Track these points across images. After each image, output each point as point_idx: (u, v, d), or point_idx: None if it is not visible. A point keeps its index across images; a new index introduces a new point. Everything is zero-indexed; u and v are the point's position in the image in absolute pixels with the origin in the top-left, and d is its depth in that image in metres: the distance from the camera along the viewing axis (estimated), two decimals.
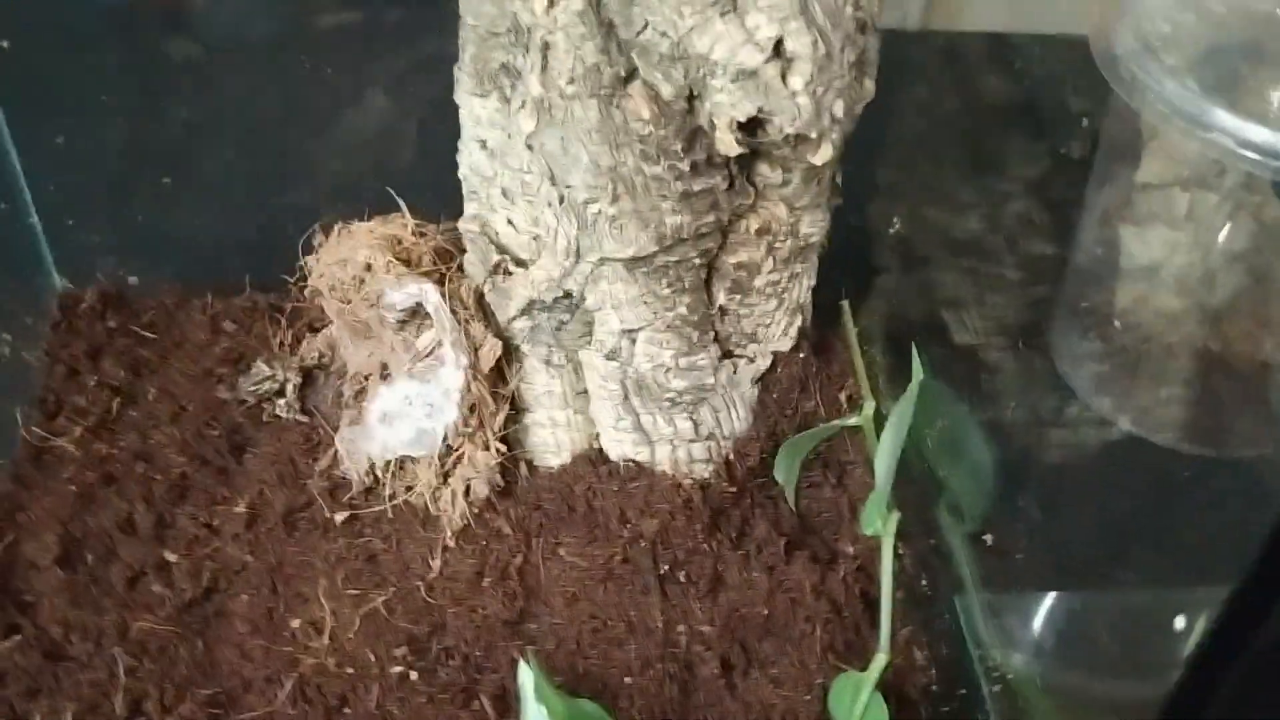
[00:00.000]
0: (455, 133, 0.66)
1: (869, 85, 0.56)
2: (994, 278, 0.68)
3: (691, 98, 0.55)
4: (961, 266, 0.69)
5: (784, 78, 0.52)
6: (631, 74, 0.55)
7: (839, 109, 0.53)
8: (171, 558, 0.65)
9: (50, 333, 0.77)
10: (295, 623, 0.62)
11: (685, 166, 0.57)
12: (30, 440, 0.71)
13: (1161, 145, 0.75)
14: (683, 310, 0.62)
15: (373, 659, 0.60)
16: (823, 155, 0.54)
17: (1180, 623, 0.63)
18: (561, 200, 0.60)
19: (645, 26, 0.52)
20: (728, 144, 0.54)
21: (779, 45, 0.52)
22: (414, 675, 0.60)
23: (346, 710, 0.58)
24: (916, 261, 0.71)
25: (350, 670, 0.60)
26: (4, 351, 0.73)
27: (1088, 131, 0.81)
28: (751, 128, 0.54)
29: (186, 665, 0.60)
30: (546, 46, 0.55)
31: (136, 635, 0.61)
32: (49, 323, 0.77)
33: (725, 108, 0.53)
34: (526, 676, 0.56)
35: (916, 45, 0.84)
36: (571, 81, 0.55)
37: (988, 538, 0.61)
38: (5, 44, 0.70)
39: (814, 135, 0.53)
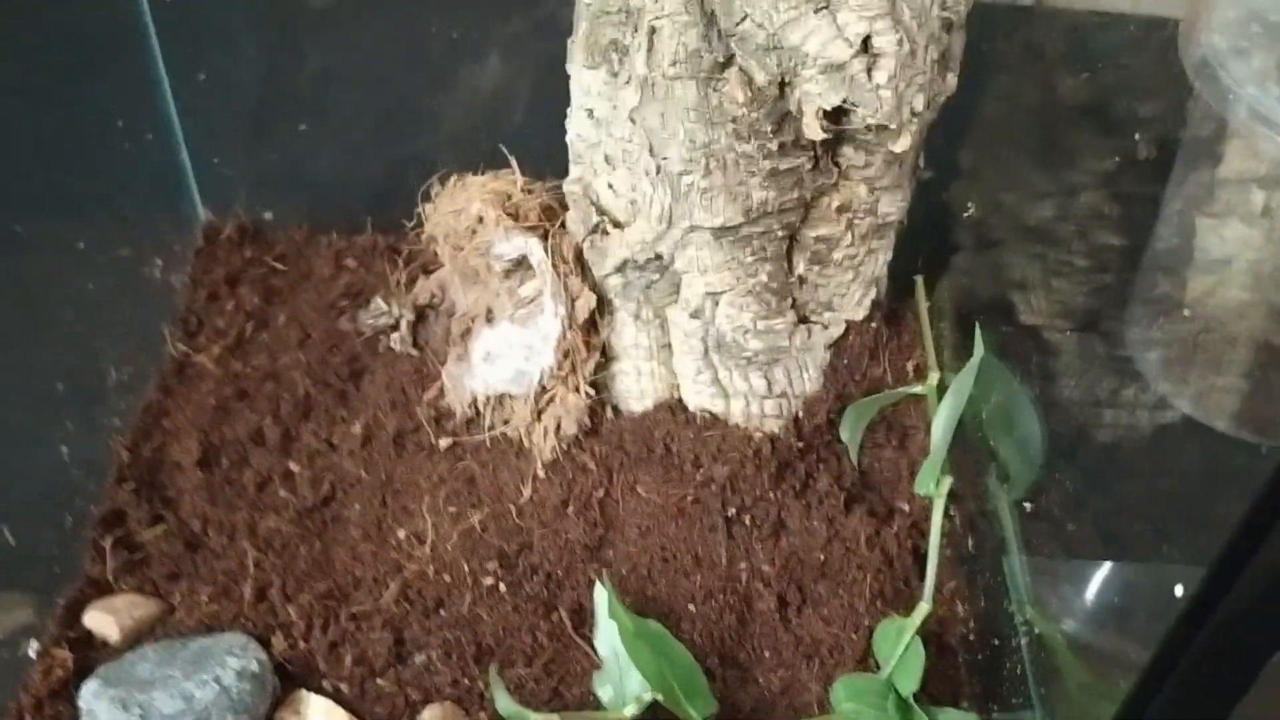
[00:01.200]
0: (563, 97, 0.72)
1: (951, 80, 0.61)
2: (1064, 263, 0.72)
3: (783, 84, 0.60)
4: (1033, 251, 0.73)
5: (869, 72, 0.57)
6: (729, 60, 0.60)
7: (919, 103, 0.58)
8: (295, 468, 0.73)
9: (194, 259, 0.85)
10: (401, 532, 0.70)
11: (774, 146, 0.62)
12: (174, 355, 0.79)
13: (1243, 142, 0.77)
14: (763, 277, 0.68)
15: (467, 569, 0.67)
16: (901, 145, 0.59)
17: None
18: (658, 170, 0.65)
19: (744, 18, 0.57)
20: (813, 130, 0.59)
21: (867, 41, 0.56)
22: (502, 587, 0.67)
23: (442, 612, 0.66)
24: (990, 243, 0.75)
25: (447, 578, 0.67)
26: (155, 274, 0.82)
27: (1169, 125, 0.84)
28: (836, 116, 0.59)
29: (305, 562, 0.68)
30: (653, 30, 0.61)
31: (264, 532, 0.69)
32: (193, 249, 0.86)
33: (813, 97, 0.58)
34: (601, 595, 0.63)
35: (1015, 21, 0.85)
36: (674, 64, 0.60)
37: (1027, 505, 0.65)
38: None
39: (893, 126, 0.58)
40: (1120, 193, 0.82)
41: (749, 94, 0.60)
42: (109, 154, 0.81)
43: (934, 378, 0.72)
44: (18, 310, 0.73)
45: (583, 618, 0.66)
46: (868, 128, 0.59)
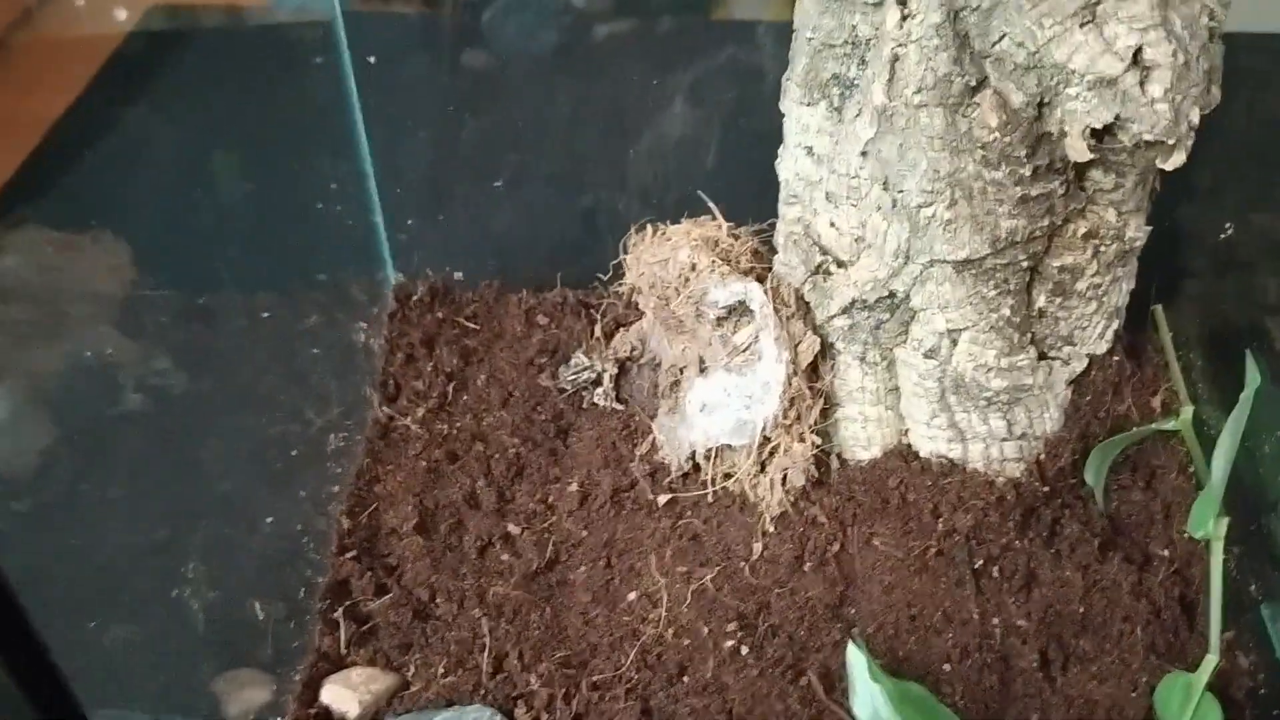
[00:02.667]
0: (752, 139, 0.70)
1: (1216, 92, 0.57)
2: None
3: (1041, 105, 0.57)
4: None
5: (1142, 86, 0.53)
6: (981, 83, 0.57)
7: (1195, 116, 0.54)
8: (514, 530, 0.71)
9: (388, 321, 0.85)
10: (631, 594, 0.67)
11: (1026, 172, 0.59)
12: (380, 419, 0.78)
13: None
14: (1006, 311, 0.64)
15: (706, 632, 0.64)
16: (1174, 161, 0.55)
17: None
18: (894, 204, 0.62)
19: (1002, 37, 0.55)
20: (1079, 150, 0.56)
21: (1137, 54, 0.53)
22: (744, 650, 0.64)
23: (685, 678, 0.63)
24: (1236, 266, 0.70)
25: (686, 641, 0.64)
26: (359, 338, 0.81)
27: None
28: (1101, 134, 0.56)
29: (538, 628, 0.66)
30: (895, 58, 0.58)
31: (493, 599, 0.67)
32: (386, 312, 0.85)
33: (1080, 115, 0.55)
34: (857, 658, 0.59)
35: None
36: (919, 91, 0.58)
37: None
38: (372, 59, 0.77)
39: (1170, 142, 0.54)
40: None
41: (1003, 117, 0.57)
42: (313, 222, 0.82)
43: (1188, 412, 0.68)
44: (244, 383, 0.74)
45: (832, 681, 0.63)
46: (1136, 146, 0.55)
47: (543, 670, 0.63)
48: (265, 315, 0.80)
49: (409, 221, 0.86)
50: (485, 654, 0.64)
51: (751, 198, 0.73)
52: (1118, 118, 0.54)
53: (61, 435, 0.70)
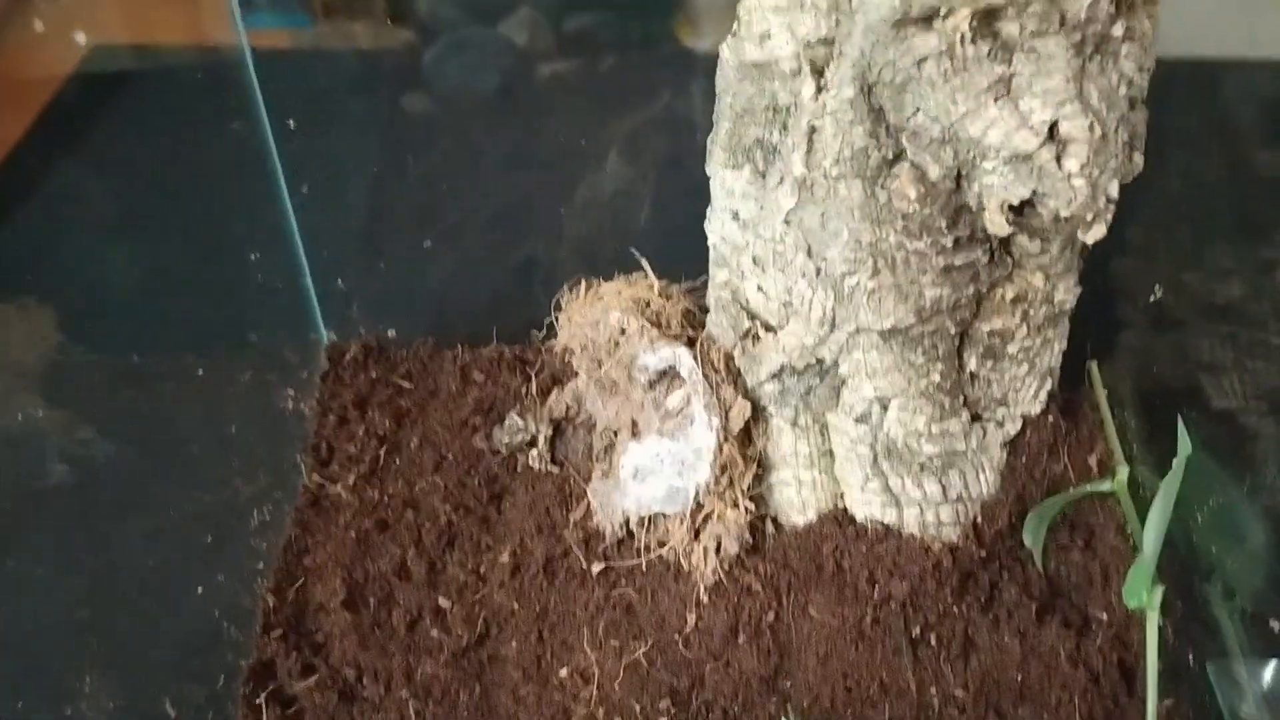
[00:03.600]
0: (685, 196, 0.69)
1: (1138, 160, 0.56)
2: (1252, 342, 0.66)
3: (959, 177, 0.56)
4: (1220, 329, 0.67)
5: (1059, 160, 0.52)
6: (898, 155, 0.56)
7: (1114, 189, 0.53)
8: (445, 603, 0.70)
9: (321, 383, 0.83)
10: (563, 671, 0.66)
11: (948, 242, 0.58)
12: (309, 486, 0.77)
13: None
14: (935, 377, 0.63)
15: (638, 710, 0.63)
16: (1094, 234, 0.55)
17: None
18: (818, 272, 0.61)
19: (916, 112, 0.54)
20: (998, 225, 0.55)
21: (1053, 128, 0.52)
22: None
23: None
24: (1167, 322, 0.69)
25: None
26: (288, 405, 0.80)
27: None
28: (1021, 208, 0.55)
29: (467, 709, 0.64)
30: (813, 130, 0.57)
31: (421, 679, 0.66)
32: (319, 373, 0.84)
33: (997, 190, 0.54)
34: None
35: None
36: (837, 163, 0.57)
37: (1275, 624, 0.59)
38: (291, 123, 0.76)
39: (1089, 217, 0.53)
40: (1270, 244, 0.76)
41: (922, 190, 0.56)
42: (237, 284, 0.80)
43: (1123, 473, 0.67)
44: (169, 452, 0.72)
45: None
46: (1055, 219, 0.55)
47: None
48: (193, 381, 0.78)
49: (339, 281, 0.84)
50: None
51: (687, 252, 0.72)
52: (1035, 193, 0.53)
53: None
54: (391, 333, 0.86)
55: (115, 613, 0.66)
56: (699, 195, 0.69)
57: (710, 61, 0.63)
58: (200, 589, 0.69)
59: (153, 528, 0.72)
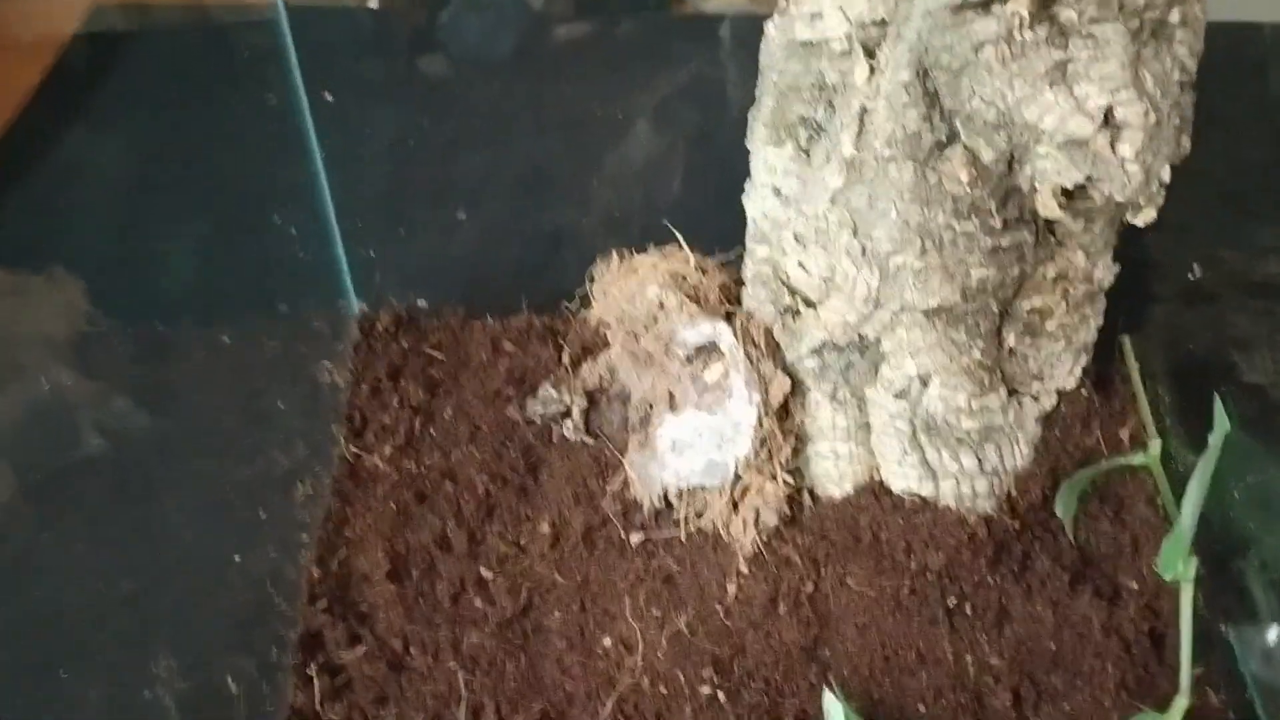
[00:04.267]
0: (721, 168, 0.69)
1: (1186, 142, 0.57)
2: (1271, 313, 0.67)
3: (1011, 160, 0.56)
4: (1252, 302, 0.68)
5: (1113, 145, 0.53)
6: (951, 138, 0.56)
7: (1166, 174, 0.54)
8: (487, 574, 0.71)
9: (353, 354, 0.83)
10: (606, 640, 0.67)
11: (996, 224, 0.58)
12: (347, 457, 0.77)
13: None
14: (977, 355, 0.64)
15: (682, 679, 0.64)
16: (1145, 218, 0.55)
17: None
18: (863, 251, 0.62)
19: (972, 96, 0.54)
20: (1050, 209, 0.55)
21: (1108, 113, 0.53)
22: (721, 696, 0.64)
23: None
24: (1201, 296, 0.70)
25: (663, 689, 0.64)
26: (323, 373, 0.80)
27: None
28: (1072, 192, 0.55)
29: (514, 679, 0.65)
30: (864, 111, 0.58)
31: (468, 649, 0.67)
32: (350, 344, 0.84)
33: (1051, 174, 0.54)
34: (835, 707, 0.60)
35: None
36: (889, 145, 0.57)
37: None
38: (329, 96, 0.75)
39: (1141, 201, 0.54)
40: None
41: (973, 173, 0.56)
42: (266, 254, 0.80)
43: (1155, 446, 0.68)
44: (195, 428, 0.72)
45: None
46: (1107, 203, 0.55)
47: None
48: (224, 352, 0.78)
49: (370, 251, 0.84)
50: (462, 707, 0.63)
51: (724, 225, 0.72)
52: (1089, 178, 0.53)
53: (17, 484, 0.68)
54: (422, 302, 0.86)
55: (162, 588, 0.67)
56: (730, 166, 0.69)
57: (745, 26, 0.63)
58: (244, 561, 0.70)
59: (192, 500, 0.72)
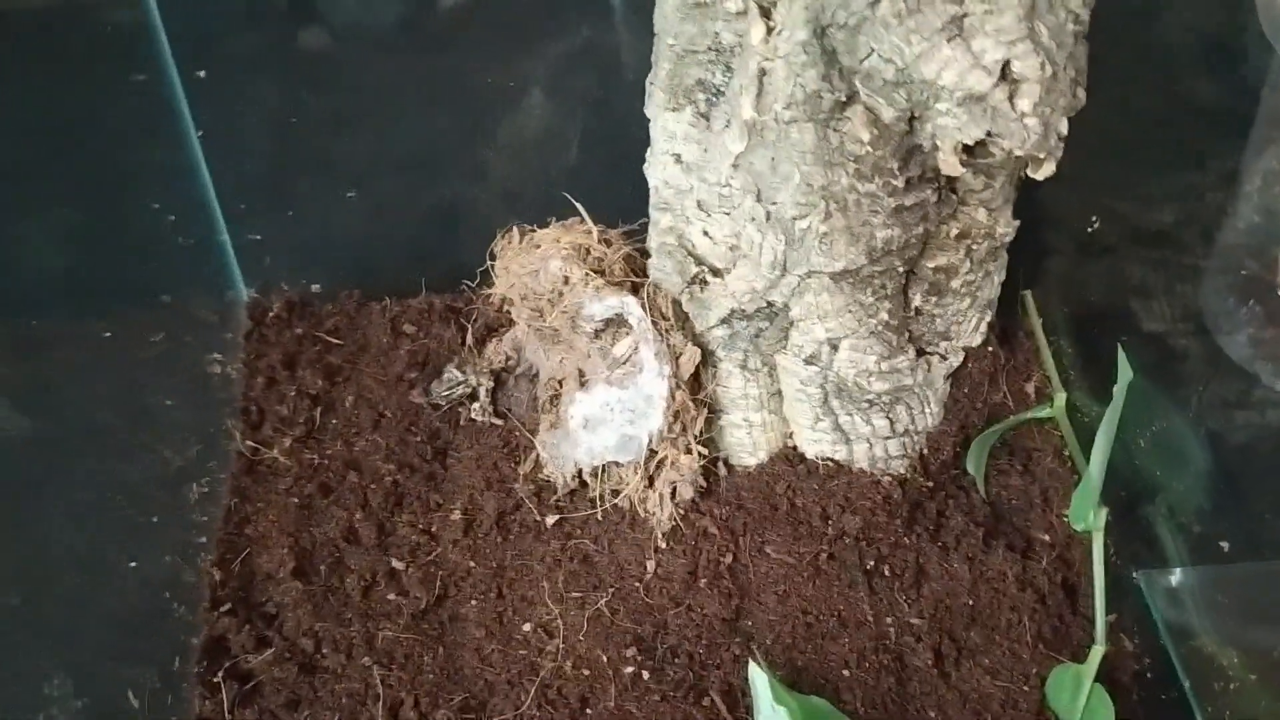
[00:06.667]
0: (619, 137, 0.67)
1: (1082, 94, 0.56)
2: (1182, 266, 0.69)
3: (912, 118, 0.56)
4: (1135, 251, 0.69)
5: (1011, 100, 0.52)
6: (851, 97, 0.56)
7: (1064, 127, 0.54)
8: (399, 566, 0.68)
9: (244, 343, 0.80)
10: (526, 626, 0.65)
11: (900, 183, 0.58)
12: (244, 452, 0.74)
13: None
14: (884, 316, 0.64)
15: (605, 660, 0.63)
16: (1045, 172, 0.55)
17: None
18: (768, 216, 0.61)
19: (870, 54, 0.53)
20: (952, 165, 0.55)
21: (1005, 68, 0.52)
22: (645, 675, 0.63)
23: (589, 711, 0.62)
24: (1103, 251, 0.71)
25: (586, 672, 0.63)
26: (212, 368, 0.76)
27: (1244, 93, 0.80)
28: (972, 148, 0.55)
29: (433, 672, 0.64)
30: (763, 73, 0.56)
31: (382, 644, 0.64)
32: (242, 333, 0.80)
33: (951, 131, 0.54)
34: (760, 679, 0.60)
35: None
36: (789, 106, 0.56)
37: (1179, 521, 0.62)
38: (202, 74, 0.71)
39: (1041, 156, 0.54)
40: (1198, 169, 0.78)
41: (875, 132, 0.56)
42: (145, 242, 0.76)
43: (1061, 398, 0.69)
44: (77, 428, 0.68)
45: (735, 699, 0.62)
46: (1007, 158, 0.55)
47: (440, 717, 0.61)
48: (104, 347, 0.74)
49: (257, 234, 0.81)
50: (379, 705, 0.61)
51: (623, 195, 0.71)
52: (988, 133, 0.53)
53: None
54: (315, 286, 0.83)
55: (47, 600, 0.63)
56: (633, 134, 0.67)
57: None
58: (138, 567, 0.66)
59: (76, 504, 0.68)
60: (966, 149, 0.55)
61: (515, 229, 0.75)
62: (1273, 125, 0.78)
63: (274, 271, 0.82)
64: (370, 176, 0.83)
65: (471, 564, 0.68)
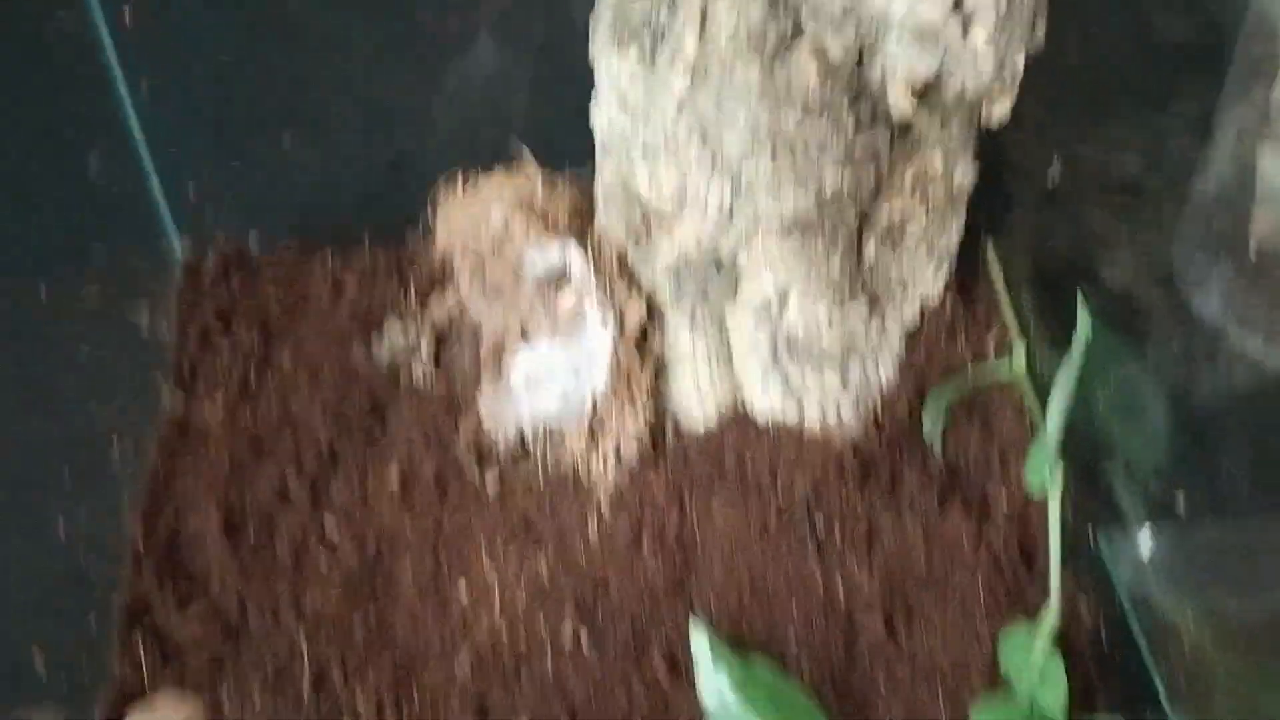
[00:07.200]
0: (568, 77, 0.64)
1: (1041, 31, 0.54)
2: (1146, 215, 0.66)
3: (861, 55, 0.53)
4: (1100, 199, 0.67)
5: (965, 33, 0.50)
6: (797, 32, 0.53)
7: (1020, 63, 0.51)
8: (331, 527, 0.66)
9: (177, 298, 0.77)
10: (462, 590, 0.63)
11: (849, 124, 0.55)
12: (174, 411, 0.71)
13: None
14: (836, 265, 0.61)
15: (543, 625, 0.61)
16: (1000, 110, 0.53)
17: None
18: (714, 160, 0.58)
19: None
20: (903, 105, 0.52)
21: None
22: (584, 640, 0.61)
23: (525, 676, 0.59)
24: (1064, 199, 0.69)
25: (523, 636, 0.61)
26: (142, 324, 0.73)
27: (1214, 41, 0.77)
28: (924, 87, 0.52)
29: (362, 635, 0.61)
30: (705, 7, 0.53)
31: (310, 606, 0.62)
32: (175, 287, 0.77)
33: (902, 67, 0.51)
34: (700, 644, 0.57)
35: None
36: (732, 42, 0.53)
37: (1141, 481, 0.60)
38: (128, 14, 0.68)
39: (995, 93, 0.51)
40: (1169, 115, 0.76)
41: (822, 69, 0.53)
42: (71, 195, 0.72)
43: (1020, 352, 0.66)
44: (10, 390, 0.65)
45: (677, 663, 0.60)
46: (961, 97, 0.52)
47: (370, 682, 0.59)
48: (29, 304, 0.71)
49: (191, 185, 0.77)
50: (305, 669, 0.59)
51: (573, 137, 0.67)
52: (941, 69, 0.50)
53: None
54: (253, 238, 0.80)
55: None
56: (584, 76, 0.64)
57: None
58: (60, 525, 0.63)
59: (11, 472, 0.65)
60: (918, 87, 0.52)
61: (458, 176, 0.72)
62: (1249, 74, 0.76)
63: (210, 224, 0.79)
64: (312, 122, 0.79)
65: (407, 525, 0.66)
